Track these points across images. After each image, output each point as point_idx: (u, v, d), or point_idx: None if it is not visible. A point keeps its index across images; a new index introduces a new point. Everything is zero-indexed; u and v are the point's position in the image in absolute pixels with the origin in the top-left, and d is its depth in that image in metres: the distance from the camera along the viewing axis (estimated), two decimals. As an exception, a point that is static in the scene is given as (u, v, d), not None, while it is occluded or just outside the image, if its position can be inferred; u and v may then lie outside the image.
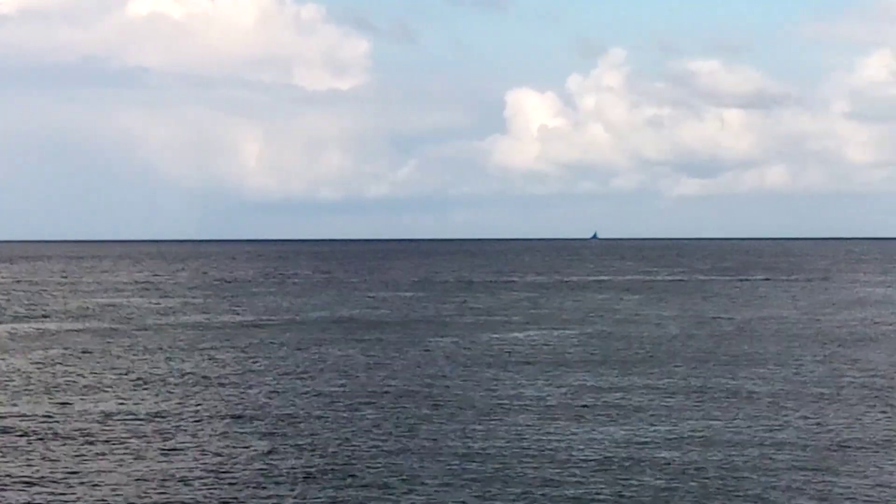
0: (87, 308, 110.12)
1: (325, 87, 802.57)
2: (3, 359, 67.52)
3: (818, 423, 45.20)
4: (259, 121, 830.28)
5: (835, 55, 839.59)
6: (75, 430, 44.15)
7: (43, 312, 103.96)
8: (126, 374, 60.43)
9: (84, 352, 71.25)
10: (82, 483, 35.81)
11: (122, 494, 34.51)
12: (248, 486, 35.20)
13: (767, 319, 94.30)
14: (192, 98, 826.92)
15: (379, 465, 37.88)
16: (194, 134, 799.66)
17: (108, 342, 77.07)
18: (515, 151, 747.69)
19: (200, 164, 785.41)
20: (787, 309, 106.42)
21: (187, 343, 76.36)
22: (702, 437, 42.35)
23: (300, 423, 45.61)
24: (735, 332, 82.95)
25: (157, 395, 53.30)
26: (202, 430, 44.25)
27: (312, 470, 37.25)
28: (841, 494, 34.15)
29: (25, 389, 55.03)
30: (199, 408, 49.46)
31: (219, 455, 39.57)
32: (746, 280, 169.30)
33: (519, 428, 44.13)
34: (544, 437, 42.20)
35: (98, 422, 46.07)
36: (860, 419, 46.27)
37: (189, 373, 61.02)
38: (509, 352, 70.55)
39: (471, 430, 43.65)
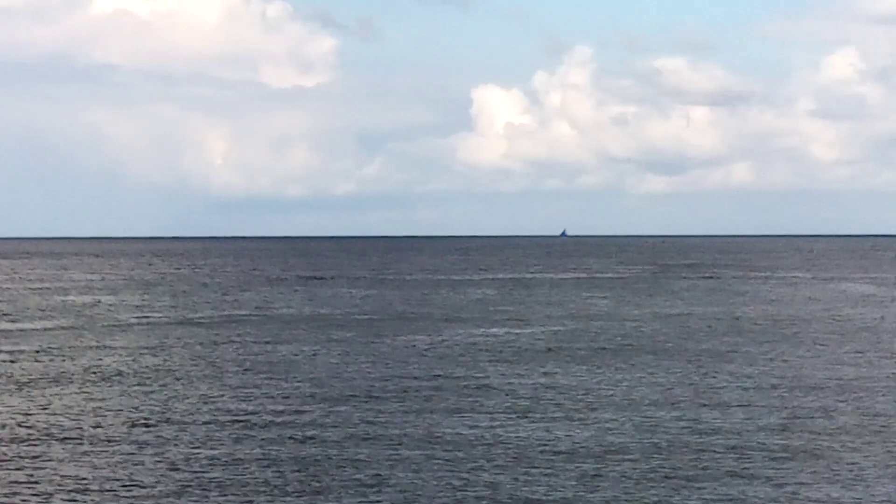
0: (51, 306, 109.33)
1: (292, 84, 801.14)
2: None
3: (788, 417, 45.11)
4: (225, 118, 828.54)
5: (800, 53, 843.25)
6: (38, 430, 43.63)
7: (2, 311, 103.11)
8: (89, 373, 59.89)
9: (45, 350, 70.63)
10: (41, 483, 35.34)
11: (86, 492, 34.06)
12: (214, 485, 34.79)
13: (736, 315, 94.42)
14: (159, 95, 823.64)
15: (346, 461, 37.57)
16: (160, 131, 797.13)
17: (73, 340, 76.44)
18: (482, 149, 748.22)
19: (167, 161, 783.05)
20: (755, 304, 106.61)
21: (151, 341, 75.83)
22: (669, 430, 42.17)
23: (266, 420, 45.22)
24: (703, 328, 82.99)
25: (120, 394, 52.83)
26: (167, 429, 43.81)
27: (280, 468, 36.89)
28: (807, 485, 33.98)
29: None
30: (164, 406, 49.01)
31: (183, 455, 39.14)
32: (714, 277, 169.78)
33: (487, 424, 43.87)
34: (513, 433, 41.94)
35: (61, 421, 45.55)
36: (831, 413, 46.19)
37: (153, 371, 60.52)
38: (478, 348, 70.30)
39: (438, 428, 43.37)
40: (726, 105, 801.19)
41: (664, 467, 36.63)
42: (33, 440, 41.55)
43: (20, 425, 44.44)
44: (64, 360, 65.00)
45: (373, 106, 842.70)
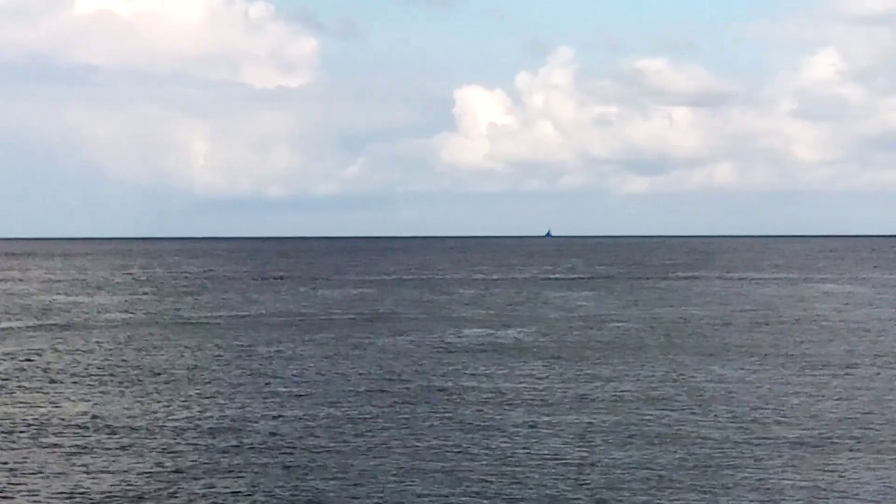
0: (31, 306, 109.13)
1: (274, 84, 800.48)
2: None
3: (770, 418, 45.29)
4: (207, 118, 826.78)
5: (781, 54, 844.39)
6: (18, 431, 43.60)
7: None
8: (71, 374, 59.82)
9: (27, 351, 70.52)
10: (23, 484, 35.32)
11: (70, 494, 34.06)
12: (201, 485, 34.82)
13: (717, 315, 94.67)
14: (141, 95, 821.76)
15: (332, 461, 37.61)
16: (143, 131, 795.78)
17: (54, 341, 76.33)
18: (464, 149, 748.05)
19: (149, 161, 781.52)
20: (736, 304, 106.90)
21: (134, 342, 75.74)
22: (651, 427, 42.31)
23: (248, 421, 45.24)
24: (684, 328, 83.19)
25: (102, 394, 52.77)
26: (149, 430, 43.79)
27: (262, 470, 36.91)
28: (785, 488, 34.15)
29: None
30: (146, 407, 48.98)
31: (168, 455, 39.14)
32: (696, 277, 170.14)
33: (472, 423, 43.95)
34: (497, 432, 42.02)
35: (41, 422, 45.51)
36: (815, 415, 46.38)
37: (134, 372, 60.47)
38: (461, 348, 70.39)
39: (422, 427, 43.43)
40: (708, 106, 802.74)
41: (648, 465, 36.76)
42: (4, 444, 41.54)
43: None
44: (30, 362, 64.95)
45: (355, 106, 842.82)
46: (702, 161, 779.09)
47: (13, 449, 39.91)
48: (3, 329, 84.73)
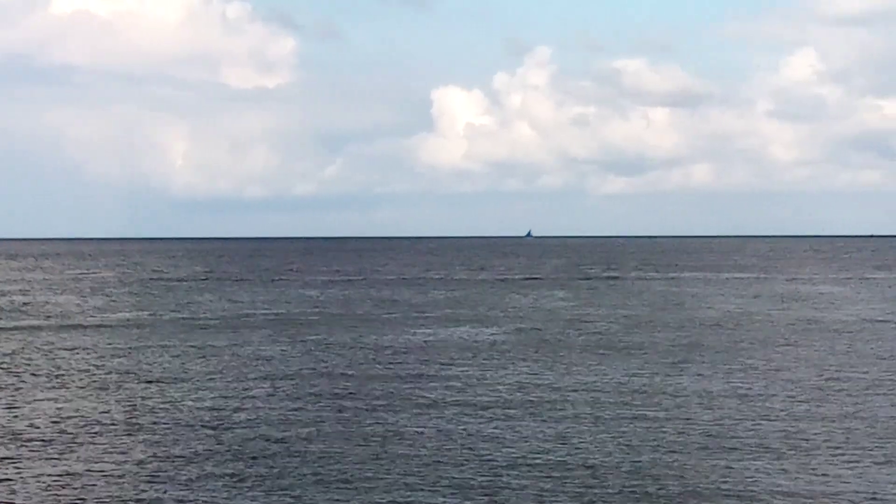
0: (10, 306, 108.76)
1: (252, 85, 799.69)
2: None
3: (747, 420, 45.42)
4: (186, 119, 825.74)
5: (759, 54, 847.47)
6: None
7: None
8: (48, 375, 59.66)
9: (5, 352, 70.32)
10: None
11: (50, 495, 33.99)
12: (179, 487, 34.77)
13: (697, 315, 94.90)
14: (119, 96, 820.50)
15: (308, 460, 37.60)
16: (121, 131, 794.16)
17: (33, 341, 76.10)
18: (442, 149, 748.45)
19: (127, 161, 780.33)
20: (717, 305, 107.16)
21: (112, 343, 75.56)
22: (629, 426, 42.41)
23: (230, 420, 45.19)
24: (662, 328, 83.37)
25: (81, 396, 52.65)
26: (129, 431, 43.72)
27: (246, 470, 36.89)
28: (764, 491, 34.27)
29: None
30: (125, 408, 48.90)
31: (147, 456, 39.08)
32: (675, 277, 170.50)
33: (449, 425, 43.96)
34: (474, 434, 42.05)
35: (22, 422, 45.39)
36: (796, 417, 46.53)
37: (112, 373, 60.34)
38: (440, 348, 70.41)
39: (402, 427, 43.44)
40: (686, 106, 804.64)
41: (626, 464, 36.85)
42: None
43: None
44: (9, 363, 64.80)
45: (333, 107, 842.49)
46: (680, 161, 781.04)
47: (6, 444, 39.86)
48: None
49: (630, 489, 34.03)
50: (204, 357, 66.26)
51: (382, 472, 36.19)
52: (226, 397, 51.01)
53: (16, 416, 46.36)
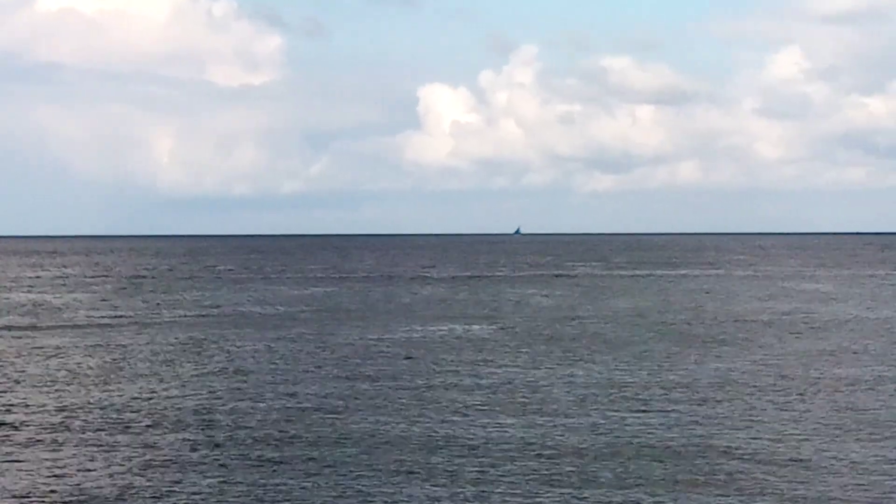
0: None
1: (238, 83, 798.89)
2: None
3: (735, 414, 45.55)
4: (172, 116, 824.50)
5: (745, 52, 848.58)
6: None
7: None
8: (30, 373, 59.59)
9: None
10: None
11: (37, 492, 33.97)
12: (165, 483, 34.77)
13: (684, 312, 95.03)
14: (106, 94, 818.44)
15: (295, 458, 37.64)
16: (107, 129, 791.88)
17: (17, 339, 75.98)
18: (429, 147, 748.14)
19: (114, 159, 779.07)
20: (703, 301, 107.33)
21: (97, 341, 75.46)
22: (616, 429, 42.48)
23: (217, 420, 45.18)
24: (651, 325, 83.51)
25: (64, 393, 52.58)
26: (113, 429, 43.68)
27: (231, 466, 36.90)
28: (750, 485, 34.39)
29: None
30: (108, 406, 48.85)
31: (130, 455, 39.06)
32: (662, 274, 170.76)
33: (436, 421, 44.01)
34: (463, 430, 42.09)
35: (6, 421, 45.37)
36: (780, 410, 46.66)
37: (96, 371, 60.27)
38: (428, 345, 70.45)
39: (388, 425, 43.45)
40: (672, 104, 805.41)
41: (611, 462, 36.93)
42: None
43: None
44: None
45: (320, 104, 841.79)
46: (666, 159, 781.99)
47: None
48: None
49: (617, 485, 34.12)
50: (189, 355, 66.21)
51: (371, 468, 36.21)
52: (212, 395, 50.99)
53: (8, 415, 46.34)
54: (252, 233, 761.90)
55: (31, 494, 33.46)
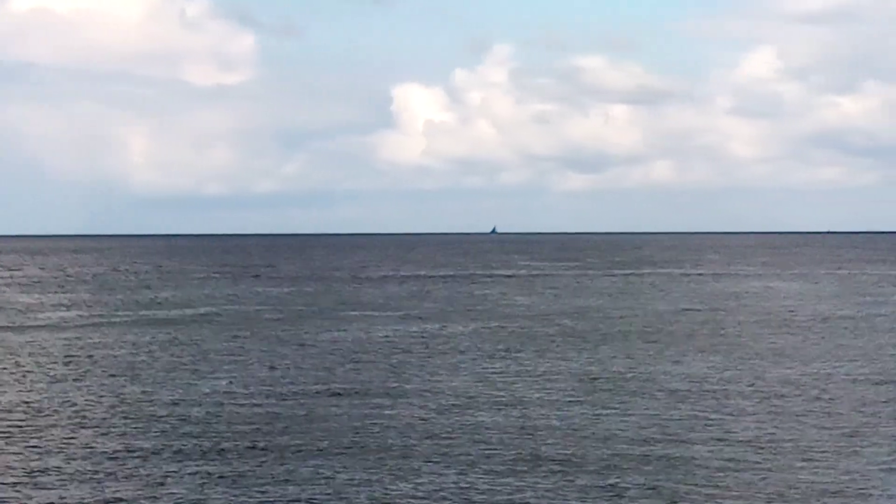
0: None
1: (213, 82, 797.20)
2: None
3: (699, 416, 45.82)
4: (146, 116, 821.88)
5: (719, 52, 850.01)
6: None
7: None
8: (2, 373, 59.50)
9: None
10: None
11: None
12: (138, 484, 34.87)
13: (657, 311, 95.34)
14: (79, 93, 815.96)
15: (272, 458, 37.75)
16: (81, 129, 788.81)
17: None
18: (403, 146, 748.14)
19: (88, 159, 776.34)
20: (677, 301, 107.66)
21: (70, 339, 75.32)
22: (589, 426, 42.71)
23: (190, 418, 45.25)
24: (625, 324, 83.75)
25: (36, 393, 52.55)
26: (86, 427, 43.72)
27: (205, 469, 36.99)
28: (729, 484, 34.66)
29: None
30: (80, 405, 48.87)
31: (100, 453, 39.12)
32: (636, 274, 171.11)
33: (410, 419, 44.17)
34: (437, 427, 42.26)
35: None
36: (753, 407, 46.97)
37: (69, 369, 60.21)
38: (401, 343, 70.54)
39: (364, 422, 43.58)
40: (646, 103, 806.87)
41: (593, 456, 37.18)
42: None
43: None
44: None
45: (294, 104, 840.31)
46: (640, 158, 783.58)
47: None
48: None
49: (595, 482, 34.36)
50: (162, 354, 66.18)
51: (346, 467, 36.36)
52: (184, 393, 51.04)
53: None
54: (227, 232, 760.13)
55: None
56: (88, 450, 38.84)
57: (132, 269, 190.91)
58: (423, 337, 74.82)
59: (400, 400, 48.59)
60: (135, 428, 42.69)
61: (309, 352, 66.42)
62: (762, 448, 38.69)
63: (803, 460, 36.97)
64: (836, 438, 40.37)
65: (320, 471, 35.59)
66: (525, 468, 35.80)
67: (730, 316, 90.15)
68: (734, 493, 33.05)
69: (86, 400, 49.24)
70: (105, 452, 38.41)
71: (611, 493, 33.04)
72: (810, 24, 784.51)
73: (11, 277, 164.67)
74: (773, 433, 41.23)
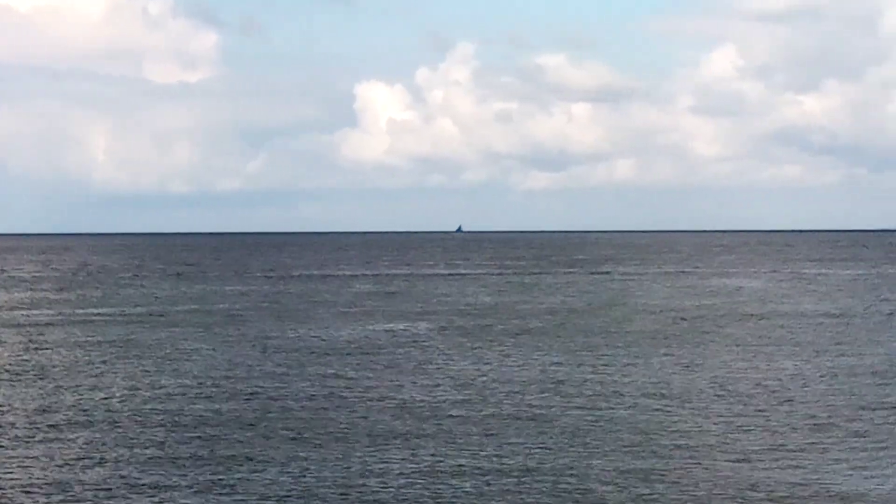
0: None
1: (175, 80, 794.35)
2: None
3: (663, 418, 45.79)
4: (108, 113, 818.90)
5: (681, 50, 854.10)
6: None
7: None
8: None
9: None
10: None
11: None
12: (96, 490, 34.51)
13: (621, 308, 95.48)
14: (41, 91, 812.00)
15: (234, 455, 37.46)
16: (42, 126, 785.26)
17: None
18: (366, 145, 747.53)
19: (49, 157, 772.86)
20: (634, 298, 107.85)
21: (32, 339, 74.76)
22: (555, 424, 42.61)
23: (151, 419, 44.91)
24: (588, 321, 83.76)
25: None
26: (41, 429, 43.31)
27: (166, 473, 36.69)
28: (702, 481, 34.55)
29: None
30: (38, 405, 48.43)
31: (60, 456, 38.73)
32: (600, 272, 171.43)
33: (373, 416, 43.96)
34: (401, 425, 42.08)
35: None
36: (722, 406, 46.95)
37: (31, 370, 59.73)
38: (364, 342, 70.34)
39: (330, 425, 43.37)
40: (608, 101, 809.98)
41: (554, 460, 37.03)
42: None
43: None
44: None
45: (257, 102, 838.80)
46: (603, 156, 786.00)
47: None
48: None
49: (557, 488, 34.22)
50: (124, 353, 65.70)
51: (313, 470, 36.10)
52: (144, 394, 50.65)
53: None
54: (189, 230, 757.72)
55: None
56: (47, 449, 38.41)
57: (93, 268, 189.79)
58: (386, 335, 74.56)
59: (364, 397, 48.33)
60: (94, 428, 42.28)
61: (272, 351, 66.05)
62: (726, 444, 38.62)
63: (771, 460, 36.90)
64: (802, 434, 40.34)
65: (286, 471, 35.31)
66: (489, 466, 35.61)
67: (685, 314, 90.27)
68: (701, 493, 32.94)
69: (41, 400, 48.72)
70: (61, 453, 38.01)
71: (579, 490, 32.88)
72: (772, 22, 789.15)
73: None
74: (738, 429, 41.16)
